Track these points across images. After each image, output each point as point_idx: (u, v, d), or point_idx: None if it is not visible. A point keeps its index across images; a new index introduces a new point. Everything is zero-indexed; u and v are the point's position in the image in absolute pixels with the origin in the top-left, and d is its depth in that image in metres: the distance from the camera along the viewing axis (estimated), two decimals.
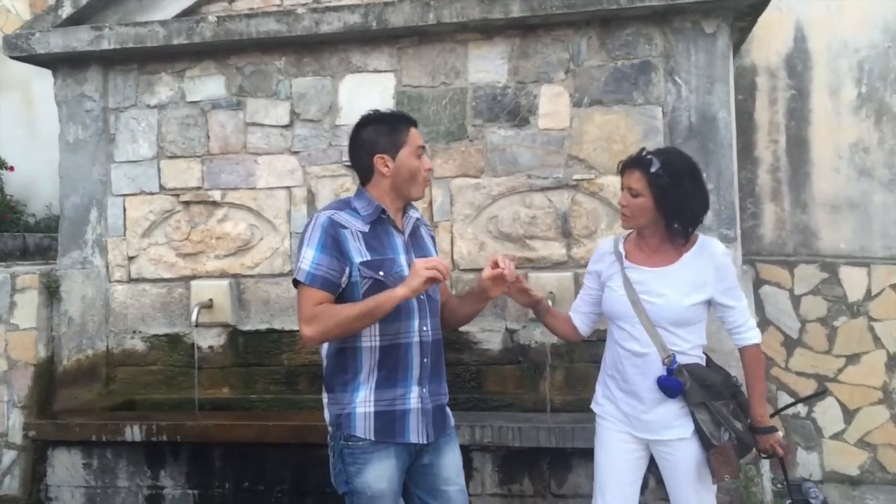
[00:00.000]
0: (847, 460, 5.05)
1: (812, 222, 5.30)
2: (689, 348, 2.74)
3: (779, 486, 4.39)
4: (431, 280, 2.44)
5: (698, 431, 2.70)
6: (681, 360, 2.70)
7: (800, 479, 5.04)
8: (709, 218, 3.95)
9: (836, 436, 5.07)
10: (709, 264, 2.72)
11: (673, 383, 2.67)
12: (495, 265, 2.61)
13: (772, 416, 4.93)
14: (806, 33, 5.32)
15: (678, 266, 2.74)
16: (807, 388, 5.09)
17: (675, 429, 2.72)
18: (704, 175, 3.90)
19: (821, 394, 5.03)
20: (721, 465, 2.66)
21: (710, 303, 2.76)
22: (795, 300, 5.16)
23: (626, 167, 2.78)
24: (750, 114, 5.37)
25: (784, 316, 5.16)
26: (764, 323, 5.14)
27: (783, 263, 5.21)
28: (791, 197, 5.33)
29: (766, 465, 4.05)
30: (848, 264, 5.13)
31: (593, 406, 2.95)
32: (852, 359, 5.05)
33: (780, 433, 2.84)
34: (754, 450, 2.85)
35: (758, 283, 5.12)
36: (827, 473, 5.06)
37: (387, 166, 2.62)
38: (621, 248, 2.86)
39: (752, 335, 2.79)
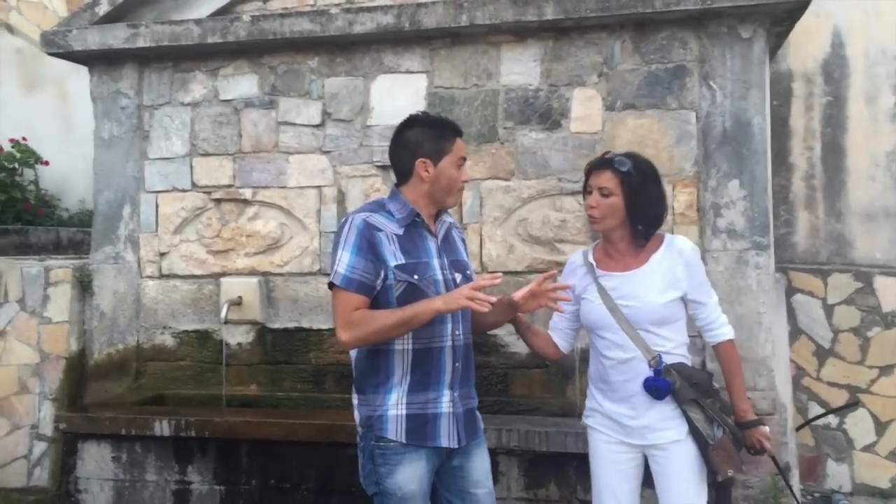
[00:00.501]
0: (878, 473, 4.97)
1: (847, 231, 5.23)
2: (673, 347, 2.74)
3: (808, 497, 4.34)
4: (469, 307, 2.42)
5: (693, 431, 2.68)
6: (666, 359, 2.70)
7: (830, 491, 4.97)
8: (741, 224, 3.94)
9: (868, 448, 5.00)
10: (678, 261, 2.74)
11: (661, 384, 2.67)
12: (544, 280, 2.62)
13: (802, 426, 4.90)
14: (843, 39, 5.25)
15: (649, 266, 2.75)
16: (838, 398, 5.02)
17: (668, 431, 2.71)
18: (738, 181, 3.94)
19: (852, 405, 4.96)
20: (723, 460, 2.65)
21: (684, 300, 2.76)
22: (828, 309, 5.09)
23: (595, 168, 2.80)
24: (785, 120, 5.31)
25: (816, 325, 5.09)
26: (796, 332, 5.07)
27: (816, 272, 5.14)
28: (826, 205, 5.26)
29: (795, 475, 4.00)
30: (883, 274, 5.05)
31: (584, 420, 2.94)
32: (885, 370, 4.97)
33: (766, 428, 2.83)
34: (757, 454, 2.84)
35: (790, 291, 5.06)
36: (857, 486, 4.99)
37: (427, 171, 2.62)
38: (591, 259, 2.86)
39: (726, 331, 2.81)
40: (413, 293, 2.52)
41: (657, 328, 2.72)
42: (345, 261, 2.52)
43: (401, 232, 2.60)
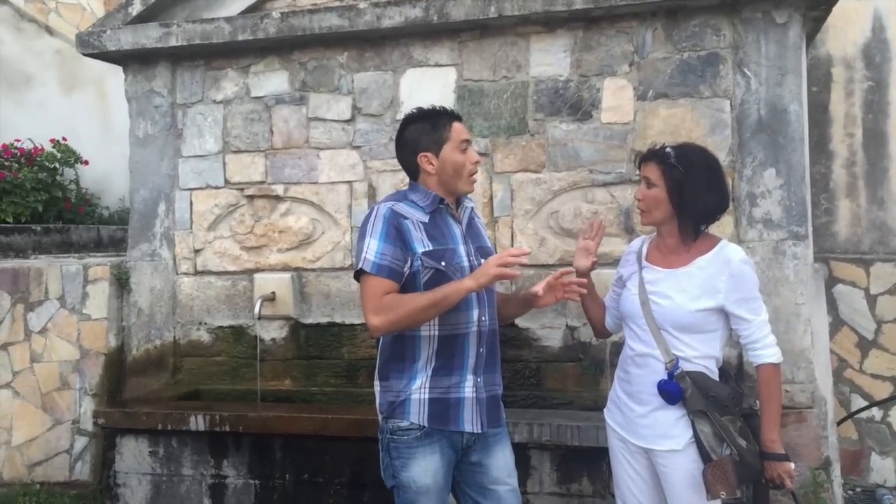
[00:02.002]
0: None
1: (889, 219, 5.11)
2: (696, 357, 2.62)
3: (849, 492, 4.25)
4: (499, 277, 2.43)
5: (697, 444, 2.58)
6: (686, 367, 2.60)
7: (873, 486, 4.87)
8: (778, 214, 3.85)
9: None
10: (723, 270, 2.61)
11: (673, 388, 2.58)
12: (560, 275, 2.63)
13: (844, 419, 4.80)
14: (884, 23, 5.12)
15: (690, 269, 2.65)
16: (882, 391, 4.91)
17: (668, 440, 2.62)
18: (774, 170, 3.85)
19: None
20: (716, 480, 2.51)
21: (724, 313, 2.63)
22: (871, 300, 4.98)
23: (644, 160, 2.75)
24: (825, 106, 5.19)
25: (859, 316, 4.98)
26: (837, 323, 4.97)
27: (858, 262, 5.03)
28: (867, 193, 5.14)
29: (836, 469, 3.91)
30: None
31: (604, 412, 2.90)
32: None
33: (792, 465, 2.66)
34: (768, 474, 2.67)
35: (831, 281, 4.96)
36: None
37: (431, 164, 2.64)
38: (644, 249, 2.82)
39: (770, 353, 2.63)
40: (440, 279, 2.53)
41: (680, 333, 2.62)
42: (373, 248, 2.53)
43: (426, 219, 2.61)
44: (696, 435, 2.59)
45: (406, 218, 2.58)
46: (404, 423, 2.57)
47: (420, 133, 2.65)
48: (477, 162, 2.70)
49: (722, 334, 2.69)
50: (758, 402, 2.72)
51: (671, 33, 4.05)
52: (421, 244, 2.56)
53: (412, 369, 2.60)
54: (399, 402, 2.59)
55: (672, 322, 2.63)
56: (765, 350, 2.64)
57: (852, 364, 4.98)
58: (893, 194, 5.06)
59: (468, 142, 2.68)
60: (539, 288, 2.63)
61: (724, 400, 2.61)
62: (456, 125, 2.67)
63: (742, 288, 2.61)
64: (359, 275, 2.57)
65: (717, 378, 2.67)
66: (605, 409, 2.91)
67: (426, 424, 2.55)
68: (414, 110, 2.75)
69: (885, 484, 4.87)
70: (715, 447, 2.56)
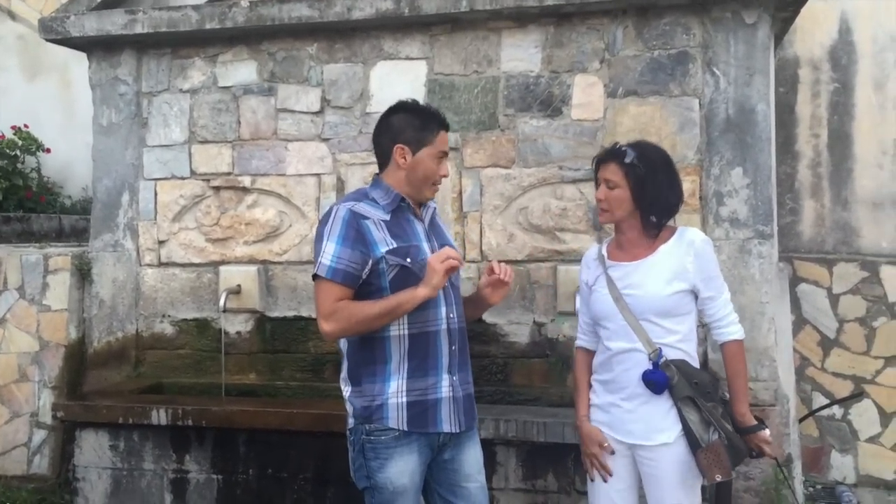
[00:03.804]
0: (883, 464, 4.94)
1: (853, 219, 5.18)
2: (676, 341, 2.67)
3: (810, 489, 4.30)
4: (449, 272, 2.42)
5: (686, 431, 2.63)
6: (668, 353, 2.65)
7: (833, 483, 4.94)
8: (744, 213, 3.88)
9: (872, 439, 4.96)
10: (688, 251, 2.68)
11: (659, 376, 2.62)
12: (491, 271, 2.63)
13: (805, 417, 4.86)
14: (851, 25, 5.18)
15: (657, 256, 2.71)
16: (843, 389, 4.98)
17: (658, 433, 2.65)
18: (741, 169, 3.88)
19: (857, 396, 4.92)
20: (711, 464, 2.58)
21: (694, 293, 2.70)
22: (833, 299, 5.05)
23: (602, 161, 2.78)
24: (791, 107, 5.25)
25: (821, 315, 5.05)
26: (800, 322, 5.03)
27: (822, 261, 5.10)
28: (832, 193, 5.20)
29: (797, 466, 3.96)
30: (889, 263, 5.00)
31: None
32: (891, 360, 4.93)
33: (767, 432, 2.74)
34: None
35: (795, 280, 5.01)
36: (861, 477, 4.96)
37: (404, 158, 2.61)
38: (604, 252, 2.84)
39: (734, 330, 2.74)
40: (406, 277, 2.52)
41: (660, 319, 2.67)
42: (330, 251, 2.51)
43: (388, 217, 2.59)
44: (683, 423, 2.63)
45: (366, 218, 2.56)
46: (382, 427, 2.55)
47: (406, 124, 2.62)
48: (445, 175, 2.69)
49: (695, 317, 2.75)
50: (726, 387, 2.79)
51: (642, 31, 4.06)
52: (384, 243, 2.54)
53: (385, 371, 2.57)
54: (375, 406, 2.56)
55: (651, 309, 2.66)
56: (729, 327, 2.74)
57: (814, 362, 5.05)
58: (857, 195, 5.13)
59: (446, 154, 2.67)
60: (486, 281, 2.65)
61: (706, 386, 2.67)
62: (443, 134, 2.65)
63: (707, 268, 2.70)
64: (315, 278, 2.56)
65: (697, 365, 2.73)
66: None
67: (406, 429, 2.53)
68: (410, 100, 2.72)
69: (844, 481, 4.94)
70: (702, 434, 2.61)
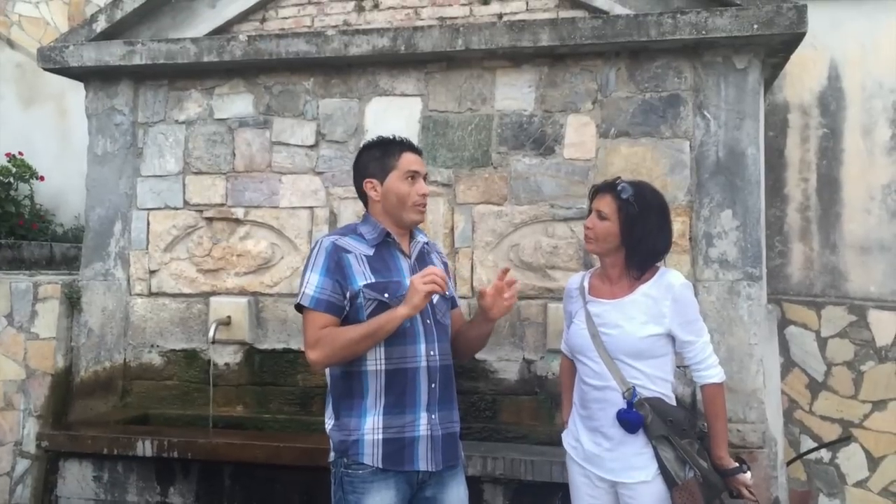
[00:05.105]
0: None
1: (841, 263, 5.21)
2: (651, 381, 2.68)
3: None
4: (430, 293, 2.42)
5: (662, 470, 2.62)
6: (643, 393, 2.65)
7: None
8: (733, 255, 3.91)
9: (860, 483, 4.94)
10: (665, 295, 2.68)
11: (633, 416, 2.62)
12: (502, 276, 2.58)
13: (793, 460, 4.84)
14: (840, 72, 5.26)
15: (635, 296, 2.71)
16: (831, 432, 4.98)
17: (636, 471, 2.65)
18: (731, 211, 3.92)
19: (845, 440, 4.92)
20: (686, 502, 2.58)
21: (671, 337, 2.71)
22: (822, 342, 5.06)
23: (599, 191, 2.81)
24: (781, 151, 5.31)
25: (810, 358, 5.06)
26: (789, 364, 5.04)
27: (810, 304, 5.12)
28: (820, 237, 5.25)
29: None
30: (877, 307, 5.03)
31: (566, 446, 2.90)
32: (879, 405, 4.93)
33: (749, 475, 2.74)
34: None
35: (783, 323, 5.03)
36: None
37: (375, 190, 2.67)
38: (585, 283, 2.86)
39: (713, 373, 2.74)
40: (384, 312, 2.51)
41: (634, 360, 2.67)
42: (313, 282, 2.55)
43: (371, 252, 2.62)
44: (659, 461, 2.63)
45: (348, 252, 2.59)
46: (359, 462, 2.54)
47: (369, 159, 2.69)
48: (425, 194, 2.68)
49: (672, 358, 2.76)
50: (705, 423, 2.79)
51: (634, 73, 4.12)
52: (363, 276, 2.56)
53: (361, 406, 2.57)
54: (352, 441, 2.56)
55: (624, 350, 2.67)
56: (708, 370, 2.74)
57: (802, 405, 5.05)
58: (845, 239, 5.18)
59: (418, 173, 2.67)
60: (487, 290, 2.57)
61: (682, 424, 2.67)
62: (407, 155, 2.67)
63: (685, 312, 2.70)
64: (300, 308, 2.58)
65: (674, 403, 2.73)
66: (565, 444, 2.90)
67: (381, 466, 2.52)
68: (372, 139, 2.78)
69: None
70: (678, 471, 2.62)
